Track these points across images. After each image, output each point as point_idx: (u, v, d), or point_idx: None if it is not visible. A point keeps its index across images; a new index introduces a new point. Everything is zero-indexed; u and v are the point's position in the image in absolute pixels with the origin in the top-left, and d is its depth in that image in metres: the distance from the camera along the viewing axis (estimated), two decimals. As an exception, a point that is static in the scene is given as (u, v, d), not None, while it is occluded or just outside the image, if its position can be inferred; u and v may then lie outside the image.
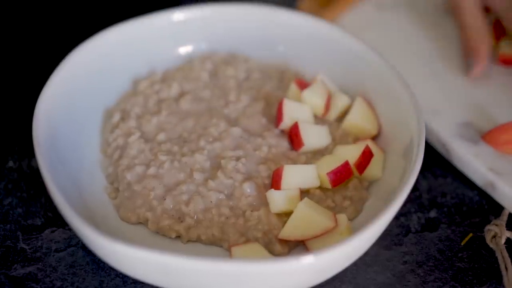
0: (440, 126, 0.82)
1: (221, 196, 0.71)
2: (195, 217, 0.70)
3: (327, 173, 0.71)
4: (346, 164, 0.71)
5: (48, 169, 0.66)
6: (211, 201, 0.71)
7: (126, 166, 0.74)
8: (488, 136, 0.79)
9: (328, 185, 0.71)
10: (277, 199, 0.70)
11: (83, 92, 0.78)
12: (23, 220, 0.74)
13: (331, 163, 0.72)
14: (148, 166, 0.74)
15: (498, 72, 0.89)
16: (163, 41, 0.85)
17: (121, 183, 0.73)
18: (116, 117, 0.79)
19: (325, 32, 0.82)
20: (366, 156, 0.73)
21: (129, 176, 0.73)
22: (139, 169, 0.73)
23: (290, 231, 0.68)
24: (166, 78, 0.83)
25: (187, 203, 0.71)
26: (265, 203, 0.71)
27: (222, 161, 0.73)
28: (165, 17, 0.84)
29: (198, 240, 0.70)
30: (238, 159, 0.74)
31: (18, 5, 1.01)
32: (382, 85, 0.77)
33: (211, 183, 0.72)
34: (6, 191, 0.77)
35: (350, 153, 0.73)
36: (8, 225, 0.74)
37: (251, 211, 0.70)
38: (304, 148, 0.75)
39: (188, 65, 0.84)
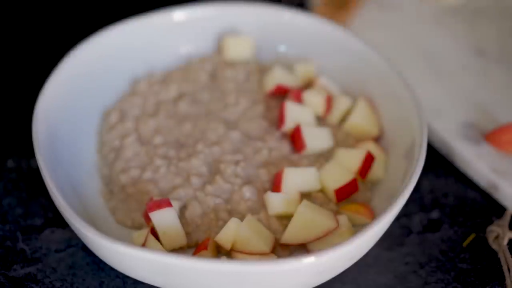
0: (442, 126, 0.82)
1: (219, 200, 0.71)
2: (192, 222, 0.70)
3: (335, 191, 0.70)
4: (354, 181, 0.71)
5: (48, 169, 0.66)
6: (208, 206, 0.70)
7: (121, 168, 0.74)
8: (491, 136, 0.79)
9: (333, 198, 0.71)
10: (275, 201, 0.69)
11: (83, 92, 0.78)
12: (23, 221, 0.74)
13: (336, 173, 0.71)
14: (143, 169, 0.73)
15: (501, 72, 0.89)
16: (162, 41, 0.84)
17: (116, 186, 0.73)
18: (114, 117, 0.79)
19: (327, 33, 0.82)
20: (368, 162, 0.72)
21: (123, 179, 0.73)
22: (134, 172, 0.73)
23: (292, 235, 0.67)
24: (165, 79, 0.83)
25: (184, 208, 0.71)
26: (265, 207, 0.71)
27: (221, 166, 0.73)
28: (165, 17, 0.84)
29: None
30: (237, 163, 0.73)
31: (18, 5, 1.01)
32: (384, 86, 0.77)
33: (209, 188, 0.71)
34: (6, 191, 0.77)
35: (352, 158, 0.73)
36: (8, 226, 0.74)
37: (251, 214, 0.70)
38: (306, 151, 0.74)
39: (187, 66, 0.84)
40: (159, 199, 0.69)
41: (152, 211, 0.67)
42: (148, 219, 0.68)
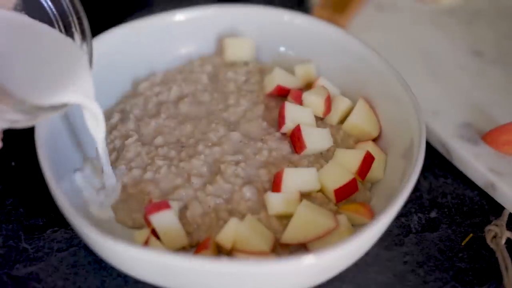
0: (440, 127, 0.82)
1: (219, 200, 0.71)
2: (193, 222, 0.70)
3: (335, 191, 0.71)
4: (353, 181, 0.71)
5: (50, 169, 0.67)
6: (209, 206, 0.71)
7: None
8: (488, 136, 0.80)
9: (332, 198, 0.72)
10: (275, 201, 0.70)
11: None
12: (25, 220, 0.74)
13: (336, 173, 0.72)
14: (144, 170, 0.74)
15: (498, 73, 0.89)
16: (163, 43, 0.85)
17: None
18: (115, 117, 0.79)
19: (326, 34, 0.83)
20: (367, 162, 0.73)
21: (125, 179, 0.73)
22: (135, 173, 0.73)
23: (292, 235, 0.68)
24: (166, 80, 0.83)
25: (184, 208, 0.71)
26: (265, 207, 0.71)
27: (222, 166, 0.73)
28: (166, 18, 0.84)
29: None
30: (237, 163, 0.74)
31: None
32: (383, 87, 0.78)
33: (209, 188, 0.71)
34: (9, 191, 0.77)
35: (352, 158, 0.73)
36: (11, 225, 0.74)
37: (251, 214, 0.70)
38: (306, 151, 0.75)
39: (188, 67, 0.84)
40: (158, 202, 0.69)
41: (151, 214, 0.68)
42: (148, 221, 0.68)
